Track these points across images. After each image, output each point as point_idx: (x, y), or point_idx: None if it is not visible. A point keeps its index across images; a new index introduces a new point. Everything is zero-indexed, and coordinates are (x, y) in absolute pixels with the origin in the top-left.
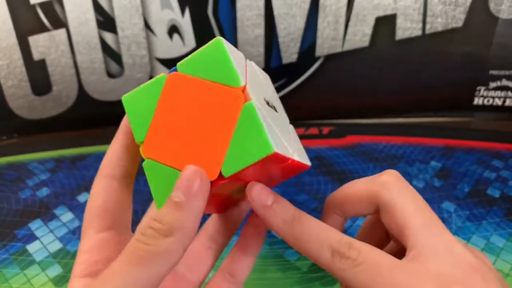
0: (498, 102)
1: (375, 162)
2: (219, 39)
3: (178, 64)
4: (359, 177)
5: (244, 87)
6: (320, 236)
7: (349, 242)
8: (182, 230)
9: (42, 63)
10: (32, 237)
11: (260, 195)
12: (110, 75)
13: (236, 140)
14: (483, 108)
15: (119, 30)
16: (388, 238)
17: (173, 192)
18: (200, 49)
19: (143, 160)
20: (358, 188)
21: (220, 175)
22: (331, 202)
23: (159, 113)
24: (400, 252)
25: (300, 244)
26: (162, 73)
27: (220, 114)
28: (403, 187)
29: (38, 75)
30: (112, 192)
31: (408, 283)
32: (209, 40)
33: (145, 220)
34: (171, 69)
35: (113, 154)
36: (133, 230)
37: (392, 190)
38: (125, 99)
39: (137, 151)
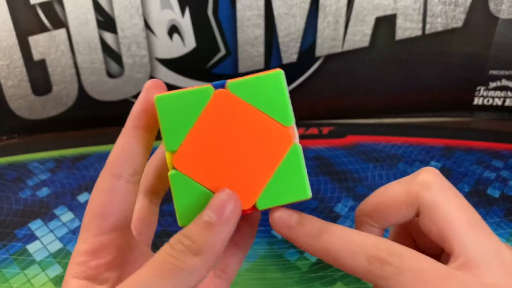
0: (498, 102)
1: (375, 162)
2: (280, 72)
3: (230, 82)
4: (359, 177)
5: (292, 126)
6: (353, 243)
7: (389, 247)
8: (210, 252)
9: (42, 63)
10: (32, 237)
11: (282, 219)
12: (110, 75)
13: (277, 177)
14: (483, 108)
15: (119, 30)
16: (416, 248)
17: (206, 211)
18: (258, 75)
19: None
20: (393, 192)
21: (253, 206)
22: (363, 211)
23: (199, 126)
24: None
25: (332, 256)
26: (208, 84)
27: (265, 147)
28: (445, 186)
29: (38, 75)
30: (117, 192)
31: None
32: (209, 40)
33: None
34: (217, 82)
35: (121, 149)
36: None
37: (434, 190)
38: (159, 99)
39: (149, 147)
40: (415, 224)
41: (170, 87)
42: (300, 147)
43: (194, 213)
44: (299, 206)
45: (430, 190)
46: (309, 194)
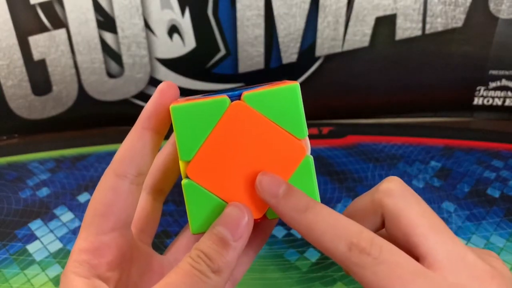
0: (498, 102)
1: (375, 162)
2: (296, 86)
3: (246, 94)
4: (359, 177)
5: (305, 138)
6: (337, 227)
7: (371, 237)
8: (229, 268)
9: (42, 63)
10: (32, 237)
11: (270, 185)
12: (110, 75)
13: None
14: (483, 108)
15: (119, 30)
16: None
17: (220, 227)
18: (274, 87)
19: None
20: (361, 202)
21: (264, 215)
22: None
23: (214, 137)
24: None
25: (313, 235)
26: (224, 95)
27: (278, 158)
28: (406, 192)
29: (38, 75)
30: (121, 192)
31: None
32: (209, 40)
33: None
34: (233, 93)
35: (128, 149)
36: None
37: (396, 197)
38: (175, 110)
39: (156, 149)
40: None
41: None
42: (312, 159)
43: (206, 222)
44: None
45: (392, 197)
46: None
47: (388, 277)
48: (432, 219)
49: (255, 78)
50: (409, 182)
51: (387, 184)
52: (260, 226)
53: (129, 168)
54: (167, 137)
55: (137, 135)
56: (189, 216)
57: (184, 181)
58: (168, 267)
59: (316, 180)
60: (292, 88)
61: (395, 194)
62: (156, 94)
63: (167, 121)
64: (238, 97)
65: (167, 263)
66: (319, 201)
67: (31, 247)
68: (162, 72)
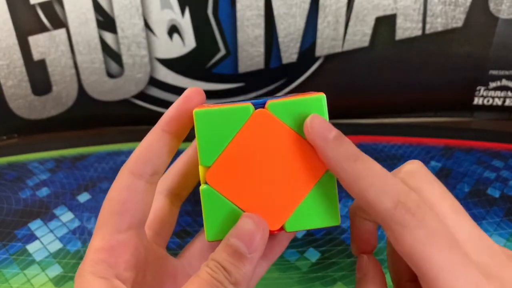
0: (498, 102)
1: None
2: (322, 97)
3: (270, 102)
4: None
5: None
6: (386, 183)
7: (418, 199)
8: (246, 279)
9: (42, 63)
10: (32, 237)
11: (321, 127)
12: (110, 75)
13: (309, 201)
14: (483, 108)
15: (119, 30)
16: None
17: (235, 239)
18: (299, 97)
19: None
20: None
21: (281, 227)
22: (355, 206)
23: (235, 144)
24: None
25: (359, 185)
26: (249, 103)
27: (299, 170)
28: (428, 175)
29: (38, 75)
30: (136, 192)
31: (452, 265)
32: (209, 40)
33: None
34: (257, 101)
35: (146, 149)
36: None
37: (418, 178)
38: (198, 114)
39: (173, 152)
40: None
41: (170, 87)
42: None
43: (222, 230)
44: None
45: (414, 178)
46: (339, 221)
47: (425, 242)
48: (452, 200)
49: (255, 78)
50: None
51: (410, 166)
52: (277, 238)
53: (145, 168)
54: (189, 140)
55: (156, 137)
56: (205, 223)
57: (202, 187)
58: (182, 271)
59: (337, 195)
60: (318, 99)
61: (417, 175)
62: (181, 99)
63: (187, 126)
64: (262, 105)
65: (181, 267)
66: (339, 222)
67: (31, 247)
68: (162, 72)
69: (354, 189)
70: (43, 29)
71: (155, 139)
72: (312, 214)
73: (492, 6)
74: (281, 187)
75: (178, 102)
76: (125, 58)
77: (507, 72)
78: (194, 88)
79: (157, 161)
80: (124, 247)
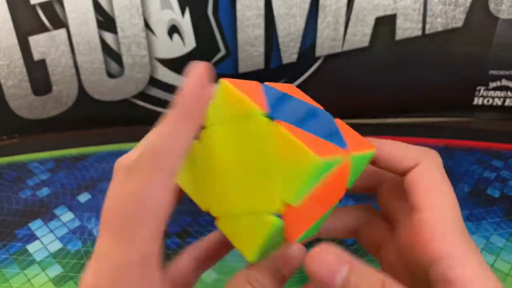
0: (498, 102)
1: None
2: (372, 153)
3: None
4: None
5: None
6: None
7: None
8: None
9: (42, 63)
10: (32, 237)
11: (326, 265)
12: (110, 75)
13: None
14: (483, 108)
15: (119, 30)
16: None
17: (285, 269)
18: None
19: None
20: (407, 147)
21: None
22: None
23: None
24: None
25: None
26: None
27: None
28: (440, 168)
29: (38, 75)
30: (172, 193)
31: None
32: (209, 40)
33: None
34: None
35: (170, 142)
36: None
37: (431, 162)
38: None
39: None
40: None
41: (170, 87)
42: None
43: (266, 251)
44: None
45: (428, 162)
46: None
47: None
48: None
49: (255, 78)
50: None
51: (433, 152)
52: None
53: (178, 163)
54: None
55: (181, 127)
56: (256, 246)
57: (272, 218)
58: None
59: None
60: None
61: (431, 161)
62: (196, 80)
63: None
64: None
65: (168, 280)
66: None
67: (31, 247)
68: (162, 72)
69: None
70: (43, 29)
71: (178, 130)
72: (319, 227)
73: (492, 6)
74: (309, 211)
75: (195, 86)
76: (125, 58)
77: (507, 72)
78: (202, 64)
79: (179, 158)
80: (154, 260)
